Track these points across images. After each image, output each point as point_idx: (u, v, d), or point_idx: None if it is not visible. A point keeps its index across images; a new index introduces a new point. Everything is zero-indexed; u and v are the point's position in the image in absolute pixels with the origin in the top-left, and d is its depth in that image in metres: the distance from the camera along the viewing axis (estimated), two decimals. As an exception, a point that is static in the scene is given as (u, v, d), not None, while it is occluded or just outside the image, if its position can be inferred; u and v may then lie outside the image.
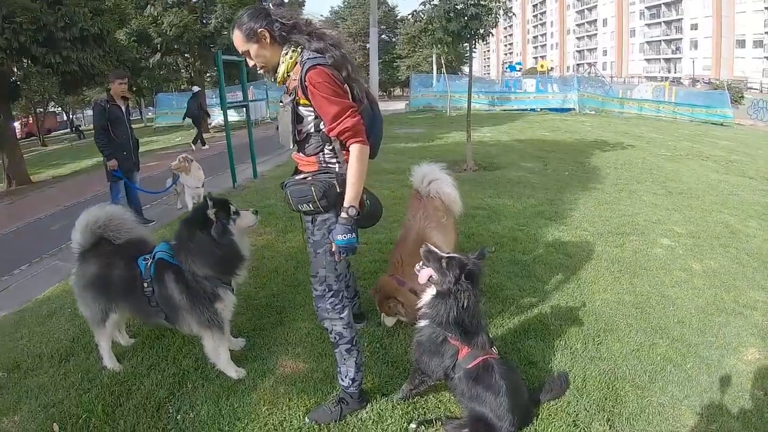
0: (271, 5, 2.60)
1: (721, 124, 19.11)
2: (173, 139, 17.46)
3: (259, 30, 2.43)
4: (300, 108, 2.51)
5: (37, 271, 5.77)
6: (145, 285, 3.09)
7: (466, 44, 9.41)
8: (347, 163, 2.47)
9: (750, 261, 5.29)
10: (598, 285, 4.54)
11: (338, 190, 2.48)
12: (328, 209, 2.54)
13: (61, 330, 4.07)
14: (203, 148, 15.72)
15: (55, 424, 2.98)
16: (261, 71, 2.63)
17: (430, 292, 2.79)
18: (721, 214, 6.90)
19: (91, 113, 6.57)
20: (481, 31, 8.74)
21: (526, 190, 8.01)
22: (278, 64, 2.52)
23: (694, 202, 7.41)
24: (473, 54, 10.20)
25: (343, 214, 2.41)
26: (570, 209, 6.89)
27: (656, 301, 4.30)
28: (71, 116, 43.46)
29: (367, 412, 2.96)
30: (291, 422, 2.95)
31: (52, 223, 7.62)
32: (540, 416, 2.91)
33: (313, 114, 2.49)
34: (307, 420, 2.89)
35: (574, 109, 22.30)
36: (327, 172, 2.55)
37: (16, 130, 19.43)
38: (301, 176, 2.64)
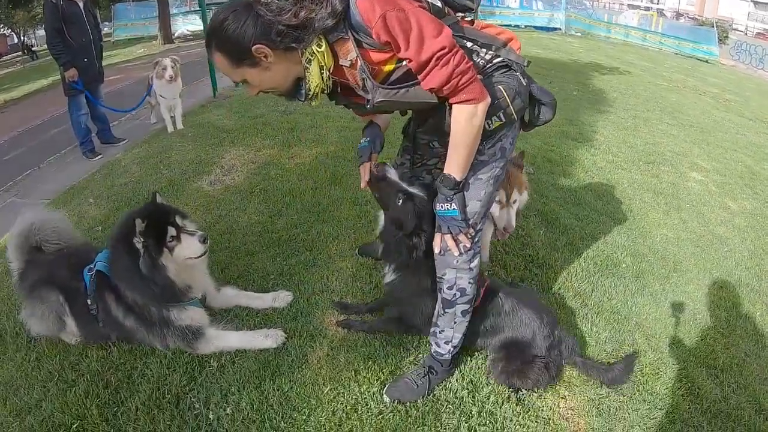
0: None
1: (706, 61, 18.65)
2: (135, 51, 15.58)
3: (254, 48, 1.57)
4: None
5: None
6: (89, 302, 2.34)
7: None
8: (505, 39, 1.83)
9: (777, 205, 4.97)
10: (651, 218, 4.19)
11: (526, 83, 1.80)
12: (519, 113, 1.82)
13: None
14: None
15: (34, 441, 2.06)
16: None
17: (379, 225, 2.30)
18: (736, 153, 6.52)
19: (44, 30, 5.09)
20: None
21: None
22: (299, 79, 1.71)
23: (708, 137, 7.02)
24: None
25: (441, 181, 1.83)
26: (592, 131, 6.39)
27: (709, 240, 4.02)
28: (22, 37, 40.38)
29: (457, 381, 2.30)
30: (367, 405, 2.18)
31: (5, 153, 6.32)
32: (645, 371, 2.49)
33: None
34: (386, 399, 2.19)
35: (560, 29, 21.54)
36: (500, 67, 1.78)
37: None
38: None
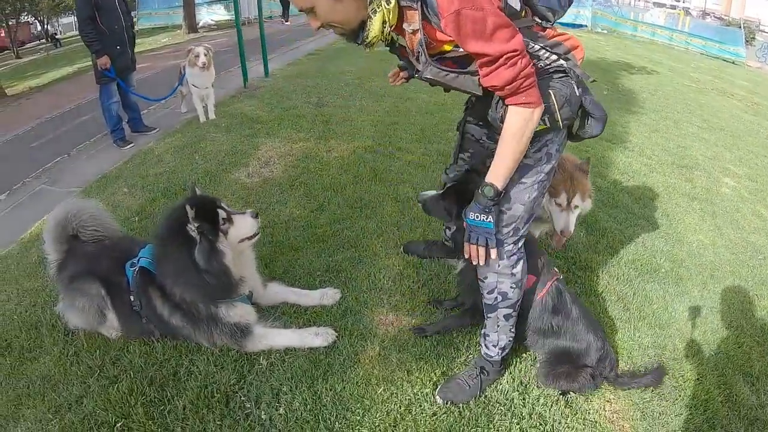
0: None
1: (733, 62, 18.16)
2: (160, 40, 15.50)
3: None
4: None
5: (19, 200, 4.31)
6: (131, 298, 2.22)
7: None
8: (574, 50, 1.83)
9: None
10: (687, 223, 4.09)
11: (579, 93, 1.76)
12: (566, 122, 1.76)
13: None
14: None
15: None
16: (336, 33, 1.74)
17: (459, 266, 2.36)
18: (767, 159, 6.31)
19: (69, 20, 4.98)
20: None
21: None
22: (363, 23, 1.63)
23: (738, 142, 6.80)
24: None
25: (478, 191, 1.77)
26: (625, 132, 6.23)
27: (743, 247, 3.90)
28: (46, 25, 40.63)
29: (508, 383, 2.25)
30: (421, 406, 2.11)
31: (33, 140, 6.22)
32: (686, 377, 2.44)
33: None
34: (439, 400, 2.13)
35: (586, 26, 21.07)
36: (555, 72, 1.72)
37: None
38: None
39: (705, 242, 3.84)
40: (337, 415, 2.04)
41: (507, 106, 1.63)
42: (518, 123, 1.62)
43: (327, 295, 2.64)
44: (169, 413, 1.99)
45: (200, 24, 17.70)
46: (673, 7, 39.60)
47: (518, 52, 1.51)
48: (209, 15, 18.66)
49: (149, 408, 2.01)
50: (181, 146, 4.75)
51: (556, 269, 2.29)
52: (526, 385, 2.26)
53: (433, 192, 2.37)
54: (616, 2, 27.08)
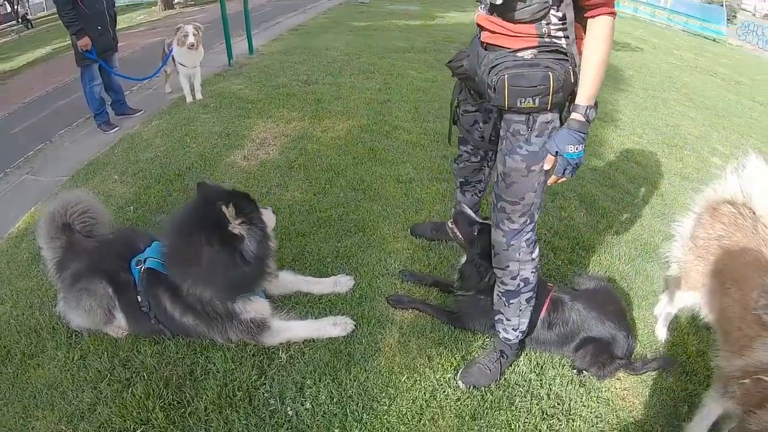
0: None
1: (714, 40, 18.02)
2: (136, 18, 14.85)
3: None
4: None
5: (1, 193, 3.96)
6: (139, 299, 2.07)
7: None
8: (579, 41, 1.67)
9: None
10: (681, 203, 3.95)
11: (573, 81, 1.68)
12: (555, 107, 1.70)
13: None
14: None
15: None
16: None
17: (462, 260, 2.38)
18: (751, 139, 6.32)
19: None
20: None
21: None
22: None
23: (723, 121, 6.79)
24: None
25: (579, 117, 1.66)
26: (615, 111, 6.14)
27: None
28: (15, 5, 38.74)
29: (525, 365, 2.25)
30: (444, 392, 2.08)
31: (11, 126, 5.89)
32: (689, 351, 2.45)
33: None
34: (461, 385, 2.11)
35: None
36: (556, 51, 1.66)
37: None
38: (517, 54, 1.68)
39: (699, 223, 3.84)
40: (363, 405, 1.96)
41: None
42: (605, 34, 1.62)
43: (340, 283, 2.52)
44: (190, 415, 1.86)
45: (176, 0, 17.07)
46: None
47: None
48: (183, -11, 18.02)
49: (169, 411, 1.88)
50: (170, 129, 4.49)
51: (549, 284, 2.35)
52: (542, 366, 2.25)
53: (471, 212, 2.35)
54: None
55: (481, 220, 2.30)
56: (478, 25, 1.79)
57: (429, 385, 2.08)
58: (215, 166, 3.70)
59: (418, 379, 2.10)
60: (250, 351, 2.12)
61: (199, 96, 5.20)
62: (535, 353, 2.29)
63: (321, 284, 2.50)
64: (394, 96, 5.40)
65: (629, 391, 2.22)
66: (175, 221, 2.03)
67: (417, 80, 6.03)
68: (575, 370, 2.25)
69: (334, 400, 1.96)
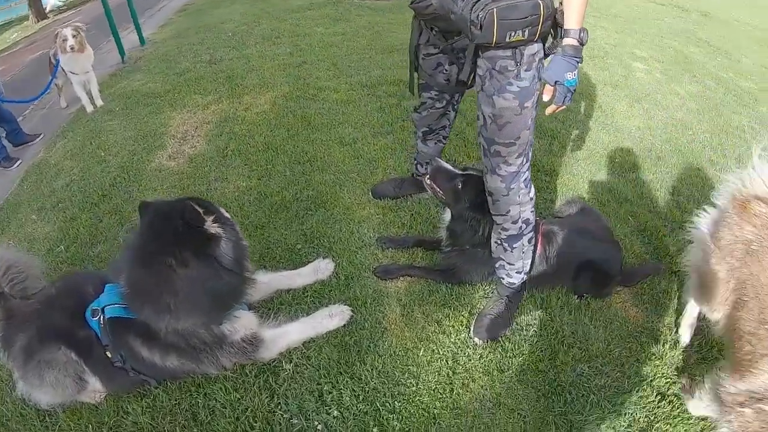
0: None
1: None
2: (9, 38, 13.05)
3: None
4: None
5: None
6: (108, 354, 1.72)
7: None
8: None
9: (716, 87, 5.07)
10: (619, 111, 4.17)
11: (555, 7, 1.62)
12: (541, 36, 1.62)
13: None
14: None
15: None
16: None
17: (446, 216, 2.29)
18: (664, 39, 6.52)
19: None
20: None
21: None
22: None
23: (634, 26, 6.97)
24: None
25: (572, 41, 1.58)
26: None
27: (674, 126, 4.04)
28: None
29: (530, 303, 2.23)
30: (465, 353, 2.01)
31: None
32: (671, 252, 2.56)
33: None
34: (478, 341, 2.05)
35: None
36: None
37: None
38: None
39: (641, 126, 3.94)
40: (391, 393, 1.83)
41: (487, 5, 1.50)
42: None
43: (320, 269, 2.29)
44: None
45: (48, 8, 15.36)
46: None
47: None
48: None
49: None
50: (78, 147, 3.92)
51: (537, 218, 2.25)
52: (544, 300, 2.22)
53: (449, 166, 2.20)
54: None
55: (461, 172, 2.16)
56: None
57: (448, 352, 1.99)
58: (141, 175, 3.25)
59: (435, 348, 2.00)
60: (252, 372, 1.87)
61: (99, 102, 4.61)
62: (536, 290, 2.25)
63: (300, 276, 2.26)
64: (308, 57, 5.02)
65: (627, 303, 2.27)
66: (128, 256, 1.71)
67: (326, 36, 5.64)
68: (577, 297, 2.23)
69: (360, 398, 1.80)
